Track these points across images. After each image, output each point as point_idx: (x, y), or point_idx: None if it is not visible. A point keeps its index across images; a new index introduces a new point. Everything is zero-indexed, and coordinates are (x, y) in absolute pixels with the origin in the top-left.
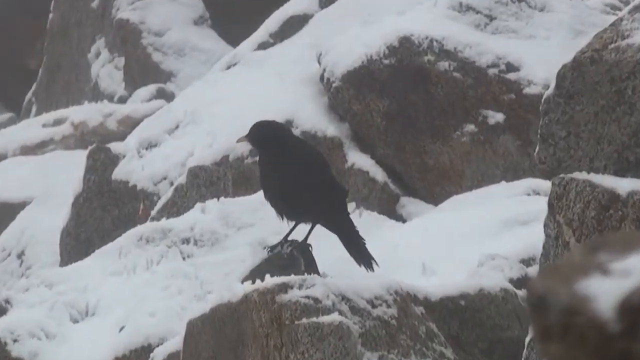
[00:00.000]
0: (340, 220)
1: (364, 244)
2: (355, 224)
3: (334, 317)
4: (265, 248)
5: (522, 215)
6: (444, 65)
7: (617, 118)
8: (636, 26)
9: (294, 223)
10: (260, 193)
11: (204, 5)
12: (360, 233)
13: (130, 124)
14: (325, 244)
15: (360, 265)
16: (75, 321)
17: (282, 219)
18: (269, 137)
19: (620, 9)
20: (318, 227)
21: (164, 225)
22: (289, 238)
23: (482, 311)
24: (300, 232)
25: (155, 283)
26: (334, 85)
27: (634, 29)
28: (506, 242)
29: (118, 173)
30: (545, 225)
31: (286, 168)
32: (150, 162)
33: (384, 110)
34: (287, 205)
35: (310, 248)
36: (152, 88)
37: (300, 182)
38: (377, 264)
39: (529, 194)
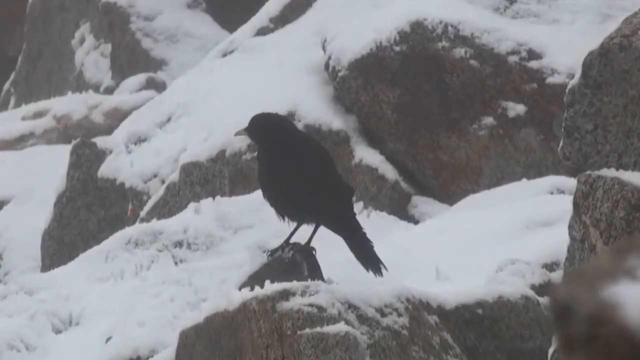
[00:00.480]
0: (346, 221)
1: (372, 247)
2: (363, 225)
3: (340, 326)
4: (265, 252)
5: (545, 216)
6: (459, 52)
7: None
8: None
9: (296, 224)
10: (259, 192)
11: None
12: (368, 235)
13: (117, 117)
14: (330, 247)
15: (368, 270)
16: (58, 331)
17: (283, 220)
18: (269, 130)
19: None
20: (322, 228)
21: (154, 227)
22: (291, 241)
23: (502, 320)
24: (303, 234)
25: (145, 290)
26: (340, 74)
27: None
28: (528, 245)
29: (104, 170)
30: (570, 227)
31: (287, 164)
32: (139, 158)
33: (394, 101)
34: (288, 205)
35: (314, 252)
36: (141, 77)
37: (303, 179)
38: (386, 268)
39: (552, 193)
